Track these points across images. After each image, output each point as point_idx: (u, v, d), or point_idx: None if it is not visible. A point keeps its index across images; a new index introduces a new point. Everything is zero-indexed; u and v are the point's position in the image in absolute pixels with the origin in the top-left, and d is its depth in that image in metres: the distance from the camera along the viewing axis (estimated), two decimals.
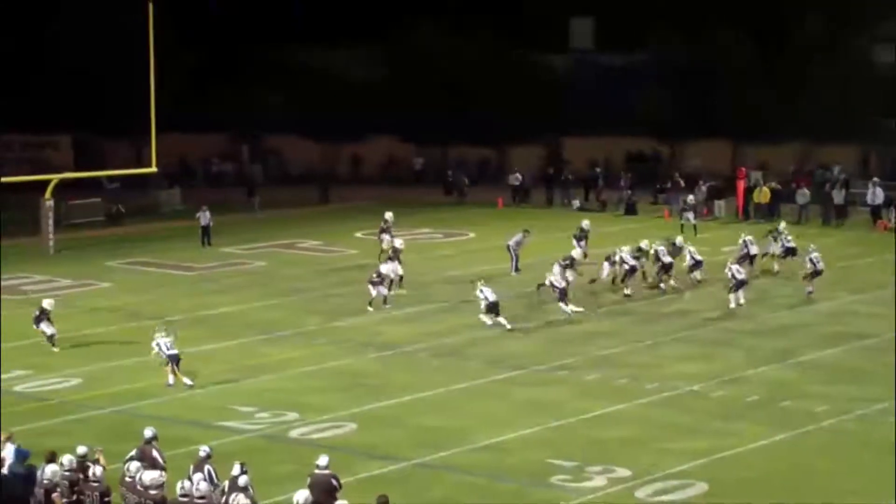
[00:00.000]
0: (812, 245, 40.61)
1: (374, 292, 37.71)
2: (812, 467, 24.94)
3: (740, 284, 37.55)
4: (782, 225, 44.11)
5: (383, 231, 44.77)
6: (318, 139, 69.51)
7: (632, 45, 67.21)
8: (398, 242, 41.58)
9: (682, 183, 59.00)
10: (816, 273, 38.81)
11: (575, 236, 43.26)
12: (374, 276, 38.26)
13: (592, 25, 71.64)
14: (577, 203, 59.48)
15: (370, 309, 37.34)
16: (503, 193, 61.08)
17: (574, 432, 26.91)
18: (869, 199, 54.61)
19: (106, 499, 19.96)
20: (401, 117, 66.55)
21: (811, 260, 39.02)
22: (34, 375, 31.06)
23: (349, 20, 67.72)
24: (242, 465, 20.21)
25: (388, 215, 45.47)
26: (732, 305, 37.46)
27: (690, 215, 50.94)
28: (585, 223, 44.30)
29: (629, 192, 58.78)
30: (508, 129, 66.00)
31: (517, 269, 41.93)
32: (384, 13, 67.15)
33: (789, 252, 42.18)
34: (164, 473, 20.07)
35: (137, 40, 43.22)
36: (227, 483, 19.86)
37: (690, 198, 52.63)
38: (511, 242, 42.68)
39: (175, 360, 29.97)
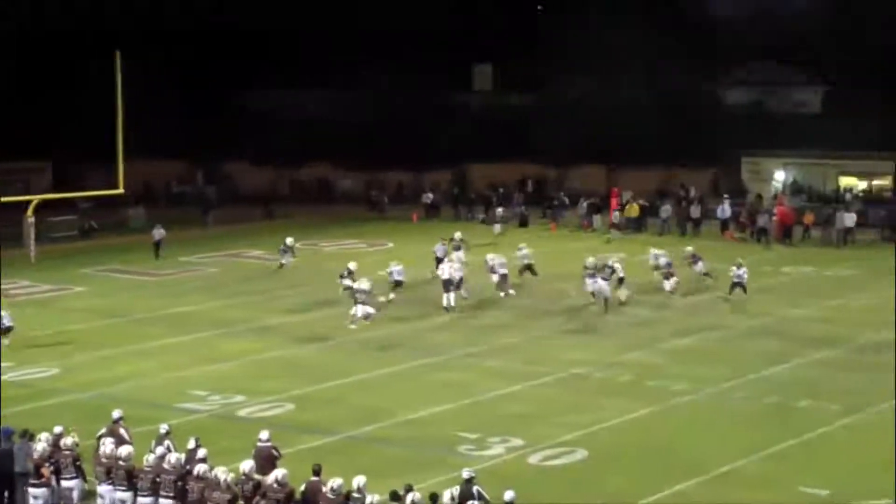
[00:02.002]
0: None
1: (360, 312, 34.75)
2: (674, 435, 25.09)
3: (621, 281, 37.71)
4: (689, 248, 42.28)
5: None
6: (263, 165, 69.56)
7: (526, 87, 67.73)
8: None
9: (567, 201, 59.42)
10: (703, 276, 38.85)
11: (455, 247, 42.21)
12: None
13: (492, 71, 72.12)
14: (480, 217, 59.52)
15: (353, 326, 34.81)
16: (418, 210, 60.95)
17: (478, 409, 26.88)
18: (719, 213, 55.08)
19: (77, 462, 20.07)
20: (333, 147, 66.77)
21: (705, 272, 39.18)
22: (16, 367, 30.43)
23: (293, 66, 67.74)
24: (197, 439, 20.01)
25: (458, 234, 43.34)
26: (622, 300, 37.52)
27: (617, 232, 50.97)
28: (458, 234, 43.57)
29: (522, 208, 58.96)
30: (423, 157, 66.13)
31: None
32: (323, 61, 67.36)
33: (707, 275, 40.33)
34: (132, 448, 19.92)
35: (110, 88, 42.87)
36: (184, 455, 19.63)
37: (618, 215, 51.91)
38: (436, 249, 42.33)
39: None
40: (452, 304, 36.42)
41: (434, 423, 25.73)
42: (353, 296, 34.95)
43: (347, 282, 36.83)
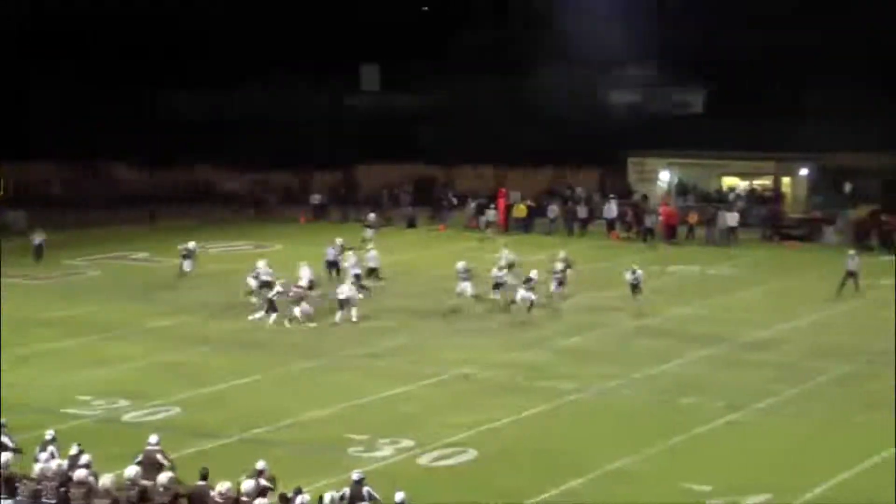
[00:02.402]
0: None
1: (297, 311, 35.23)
2: (563, 434, 25.36)
3: (499, 286, 37.67)
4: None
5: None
6: (145, 166, 68.48)
7: (414, 88, 67.83)
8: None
9: (455, 201, 59.61)
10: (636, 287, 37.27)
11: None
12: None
13: (379, 71, 72.00)
14: (370, 219, 59.35)
15: (288, 325, 35.07)
16: (305, 211, 60.64)
17: (367, 411, 26.87)
18: (606, 213, 55.75)
19: None
20: (218, 148, 66.11)
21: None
22: None
23: (177, 66, 67.01)
24: (79, 445, 19.71)
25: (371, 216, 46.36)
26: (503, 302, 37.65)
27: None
28: (340, 240, 43.37)
29: (410, 209, 59.01)
30: (311, 158, 65.83)
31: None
32: (208, 61, 66.66)
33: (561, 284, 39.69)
34: (11, 454, 19.51)
35: None
36: (66, 461, 19.28)
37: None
38: (327, 252, 42.04)
39: None
40: (337, 320, 35.75)
41: (323, 425, 25.66)
42: (268, 297, 34.91)
43: (253, 281, 36.88)
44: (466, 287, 37.08)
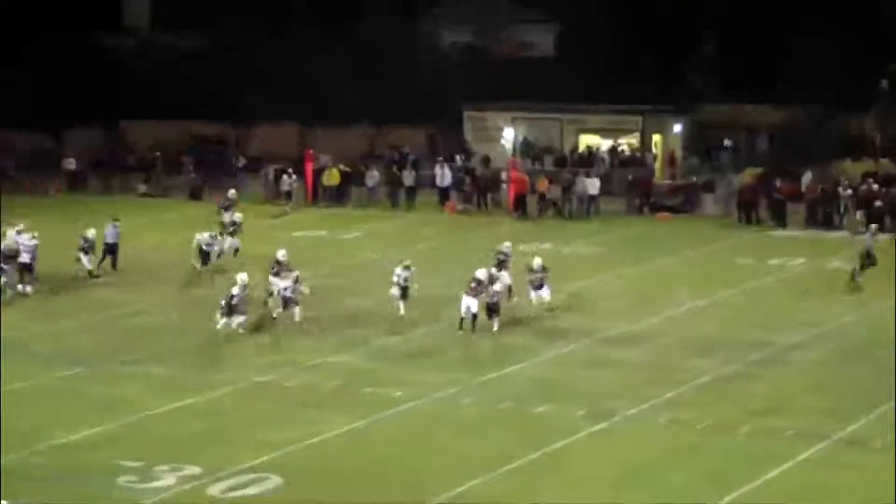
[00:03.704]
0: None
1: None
2: (392, 451, 25.33)
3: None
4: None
5: (226, 208, 45.36)
6: None
7: (191, 25, 66.92)
8: (237, 217, 43.27)
9: (247, 166, 59.30)
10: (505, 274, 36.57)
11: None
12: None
13: (148, 4, 70.86)
14: (142, 188, 58.60)
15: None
16: (58, 180, 59.36)
17: (142, 429, 26.49)
18: (438, 180, 56.04)
19: None
20: None
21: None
22: None
23: None
24: None
25: (231, 193, 47.10)
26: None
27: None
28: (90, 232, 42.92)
29: (193, 176, 58.35)
30: (65, 113, 64.27)
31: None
32: None
33: None
34: None
35: None
36: None
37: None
38: (107, 234, 41.43)
39: None
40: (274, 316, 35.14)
41: (89, 449, 25.19)
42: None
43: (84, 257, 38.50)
44: (278, 284, 36.07)
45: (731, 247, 46.40)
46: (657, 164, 59.41)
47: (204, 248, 40.43)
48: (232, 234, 42.62)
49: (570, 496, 22.89)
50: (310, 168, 56.85)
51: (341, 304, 37.18)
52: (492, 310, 34.23)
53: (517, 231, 49.37)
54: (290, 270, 35.61)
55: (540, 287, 36.01)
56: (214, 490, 23.18)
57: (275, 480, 23.62)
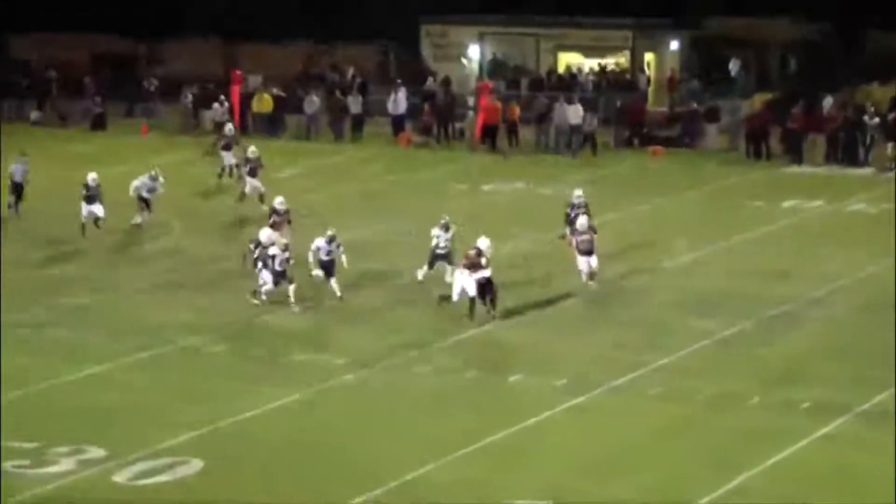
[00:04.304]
0: None
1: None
2: (332, 431, 25.36)
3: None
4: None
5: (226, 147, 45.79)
6: None
7: None
8: (252, 152, 42.92)
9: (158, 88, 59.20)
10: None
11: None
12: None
13: None
14: (34, 116, 58.36)
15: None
16: None
17: (38, 404, 26.45)
18: (390, 107, 55.91)
19: None
20: None
21: None
22: None
23: None
24: None
25: (229, 127, 47.60)
26: None
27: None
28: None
29: (96, 101, 58.09)
30: None
31: None
32: None
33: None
34: None
35: None
36: None
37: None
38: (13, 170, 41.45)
39: None
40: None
41: None
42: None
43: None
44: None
45: (738, 186, 46.57)
46: (651, 89, 59.47)
47: (145, 194, 39.87)
48: (252, 175, 42.25)
49: (545, 484, 22.89)
50: (236, 92, 56.78)
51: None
52: (485, 289, 31.61)
53: (484, 168, 49.41)
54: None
55: (589, 252, 34.07)
56: (120, 477, 23.16)
57: (194, 465, 23.61)
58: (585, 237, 33.91)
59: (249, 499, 22.54)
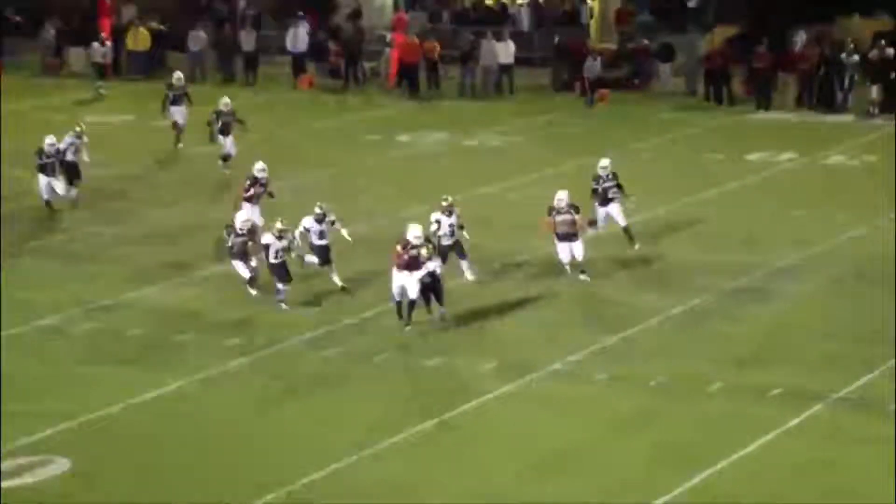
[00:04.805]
0: None
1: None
2: (222, 424, 25.39)
3: None
4: None
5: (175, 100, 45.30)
6: None
7: None
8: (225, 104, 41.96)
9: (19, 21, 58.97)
10: None
11: None
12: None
13: None
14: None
15: None
16: None
17: None
18: (289, 44, 55.76)
19: None
20: None
21: None
22: None
23: None
24: None
25: (177, 75, 46.78)
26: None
27: None
28: None
29: None
30: None
31: None
32: None
33: None
34: None
35: None
36: None
37: None
38: None
39: None
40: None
41: None
42: None
43: None
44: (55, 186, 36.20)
45: (696, 136, 46.84)
46: (593, 23, 59.48)
47: (70, 157, 39.00)
48: (224, 132, 41.81)
49: (472, 483, 22.95)
50: (107, 25, 56.46)
51: (148, 219, 37.02)
52: (431, 288, 30.09)
53: (402, 115, 49.41)
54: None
55: (571, 236, 32.57)
56: None
57: (60, 464, 23.62)
58: (566, 217, 32.46)
59: (128, 500, 22.51)
